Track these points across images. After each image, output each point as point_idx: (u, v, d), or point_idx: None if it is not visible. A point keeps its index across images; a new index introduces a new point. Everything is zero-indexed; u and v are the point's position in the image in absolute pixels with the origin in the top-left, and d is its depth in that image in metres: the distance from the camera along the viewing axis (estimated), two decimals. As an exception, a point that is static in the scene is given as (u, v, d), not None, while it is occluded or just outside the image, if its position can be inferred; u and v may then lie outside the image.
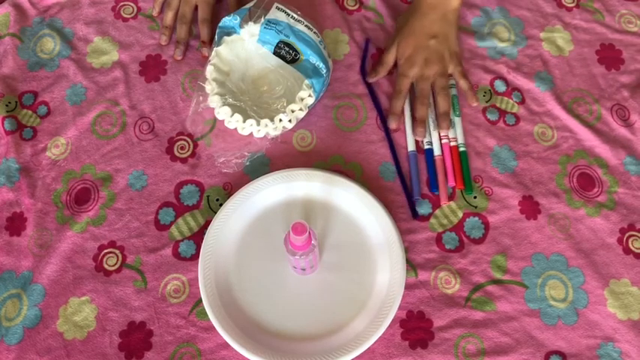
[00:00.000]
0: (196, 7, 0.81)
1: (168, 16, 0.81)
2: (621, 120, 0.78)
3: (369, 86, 0.79)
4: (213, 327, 0.64)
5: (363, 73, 0.80)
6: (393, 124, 0.75)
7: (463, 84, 0.77)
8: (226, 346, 0.63)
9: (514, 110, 0.78)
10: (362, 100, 0.78)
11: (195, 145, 0.75)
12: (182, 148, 0.75)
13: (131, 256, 0.69)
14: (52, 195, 0.72)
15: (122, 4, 0.85)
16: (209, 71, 0.74)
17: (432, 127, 0.76)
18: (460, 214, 0.72)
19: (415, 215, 0.71)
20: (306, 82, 0.72)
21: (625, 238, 0.71)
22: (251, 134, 0.74)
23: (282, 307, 0.66)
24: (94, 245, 0.70)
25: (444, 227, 0.71)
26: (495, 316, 0.66)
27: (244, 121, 0.72)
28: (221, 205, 0.71)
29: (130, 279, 0.68)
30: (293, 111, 0.72)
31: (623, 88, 0.80)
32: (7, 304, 0.67)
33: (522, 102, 0.79)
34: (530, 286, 0.68)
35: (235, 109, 0.72)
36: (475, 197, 0.72)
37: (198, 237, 0.70)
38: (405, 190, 0.73)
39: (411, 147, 0.75)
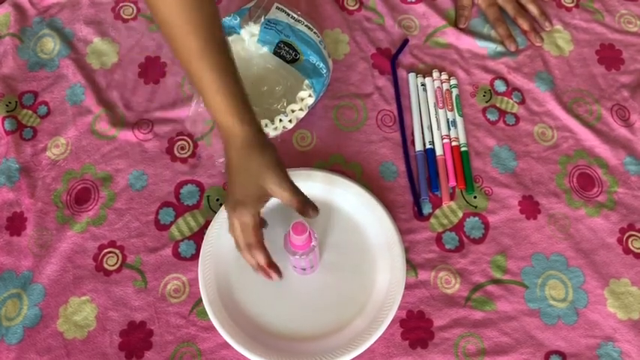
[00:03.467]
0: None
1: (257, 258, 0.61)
2: (621, 120, 0.78)
3: (394, 75, 0.80)
4: (214, 327, 0.64)
5: (394, 67, 0.80)
6: (513, 47, 0.81)
7: (533, 8, 0.83)
8: (226, 345, 0.63)
9: (514, 110, 0.78)
10: (362, 100, 0.78)
11: (196, 145, 0.75)
12: (182, 148, 0.75)
13: (131, 256, 0.69)
14: (52, 195, 0.72)
15: (122, 4, 0.85)
16: (209, 71, 0.74)
17: (434, 128, 0.76)
18: (460, 214, 0.72)
19: (421, 215, 0.71)
20: (306, 82, 0.72)
21: (625, 238, 0.71)
22: (251, 134, 0.74)
23: (282, 307, 0.66)
24: (94, 245, 0.70)
25: (444, 227, 0.71)
26: (495, 315, 0.66)
27: (244, 121, 0.72)
28: (221, 204, 0.71)
29: (130, 279, 0.68)
30: (293, 111, 0.72)
31: (623, 88, 0.80)
32: (8, 303, 0.67)
33: (522, 102, 0.79)
34: (530, 285, 0.68)
35: (235, 109, 0.72)
36: (475, 197, 0.72)
37: (198, 237, 0.70)
38: (413, 190, 0.73)
39: (419, 147, 0.75)
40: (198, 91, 0.58)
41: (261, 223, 0.60)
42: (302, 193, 0.59)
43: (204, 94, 0.57)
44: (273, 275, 0.60)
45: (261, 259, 0.60)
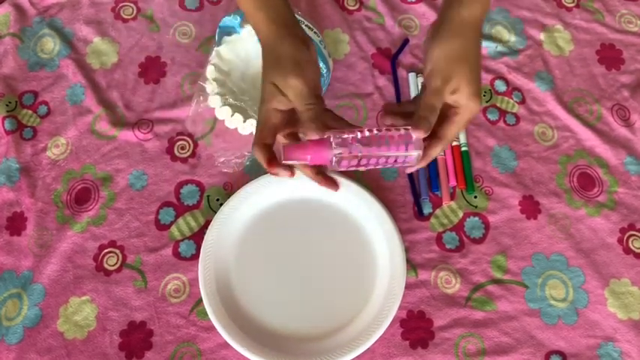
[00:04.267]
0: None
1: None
2: (621, 120, 0.78)
3: (394, 75, 0.80)
4: (214, 327, 0.63)
5: (394, 67, 0.80)
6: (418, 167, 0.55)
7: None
8: (226, 345, 0.63)
9: (514, 110, 0.78)
10: (362, 100, 0.78)
11: (196, 145, 0.75)
12: (182, 148, 0.75)
13: (131, 256, 0.69)
14: (52, 195, 0.72)
15: (122, 4, 0.85)
16: (209, 71, 0.74)
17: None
18: (460, 214, 0.72)
19: (422, 215, 0.71)
20: (307, 81, 0.72)
21: (625, 238, 0.71)
22: (251, 134, 0.74)
23: (282, 307, 0.66)
24: (94, 245, 0.70)
25: (444, 227, 0.71)
26: (496, 315, 0.66)
27: (244, 121, 0.72)
28: (221, 204, 0.71)
29: (131, 279, 0.68)
30: (293, 111, 0.72)
31: (624, 88, 0.80)
32: (8, 303, 0.67)
33: (523, 102, 0.79)
34: (530, 285, 0.68)
35: (236, 108, 0.72)
36: (475, 197, 0.72)
37: (198, 237, 0.70)
38: (413, 190, 0.73)
39: None
40: None
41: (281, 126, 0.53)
42: (309, 102, 0.50)
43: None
44: (283, 173, 0.53)
45: (260, 159, 0.52)
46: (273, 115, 0.53)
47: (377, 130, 0.50)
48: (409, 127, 0.50)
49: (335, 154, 0.48)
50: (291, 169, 0.53)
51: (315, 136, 0.50)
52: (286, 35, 0.54)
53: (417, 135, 0.50)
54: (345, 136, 0.49)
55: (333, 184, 0.54)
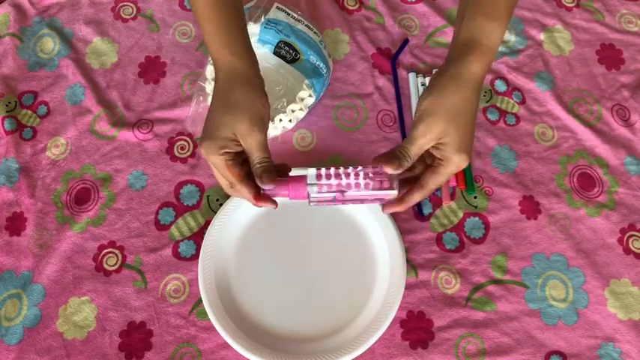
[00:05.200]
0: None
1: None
2: (622, 120, 0.78)
3: (395, 75, 0.79)
4: (213, 327, 0.63)
5: (394, 67, 0.80)
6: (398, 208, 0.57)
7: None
8: (226, 346, 0.63)
9: (514, 110, 0.78)
10: (362, 100, 0.78)
11: (196, 145, 0.75)
12: (182, 148, 0.75)
13: (131, 256, 0.69)
14: (52, 195, 0.72)
15: (122, 4, 0.85)
16: (209, 71, 0.74)
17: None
18: (460, 214, 0.71)
19: (422, 215, 0.71)
20: (307, 81, 0.72)
21: (625, 238, 0.71)
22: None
23: (282, 307, 0.66)
24: (93, 245, 0.69)
25: (445, 227, 0.71)
26: (496, 316, 0.66)
27: (244, 121, 0.72)
28: (221, 205, 0.70)
29: (130, 279, 0.68)
30: (293, 111, 0.72)
31: (624, 88, 0.80)
32: (7, 304, 0.67)
33: (523, 102, 0.79)
34: (530, 286, 0.68)
35: (235, 109, 0.72)
36: (475, 197, 0.72)
37: (198, 237, 0.70)
38: None
39: None
40: (198, 23, 0.56)
41: (237, 159, 0.54)
42: (266, 155, 0.53)
43: (200, 24, 0.56)
44: (267, 206, 0.56)
45: (247, 195, 0.55)
46: (230, 154, 0.54)
47: (352, 168, 0.54)
48: (381, 166, 0.53)
49: (310, 190, 0.54)
50: (274, 201, 0.56)
51: (269, 186, 0.53)
52: (249, 84, 0.54)
53: (388, 170, 0.53)
54: (321, 172, 0.53)
55: (272, 203, 0.56)
